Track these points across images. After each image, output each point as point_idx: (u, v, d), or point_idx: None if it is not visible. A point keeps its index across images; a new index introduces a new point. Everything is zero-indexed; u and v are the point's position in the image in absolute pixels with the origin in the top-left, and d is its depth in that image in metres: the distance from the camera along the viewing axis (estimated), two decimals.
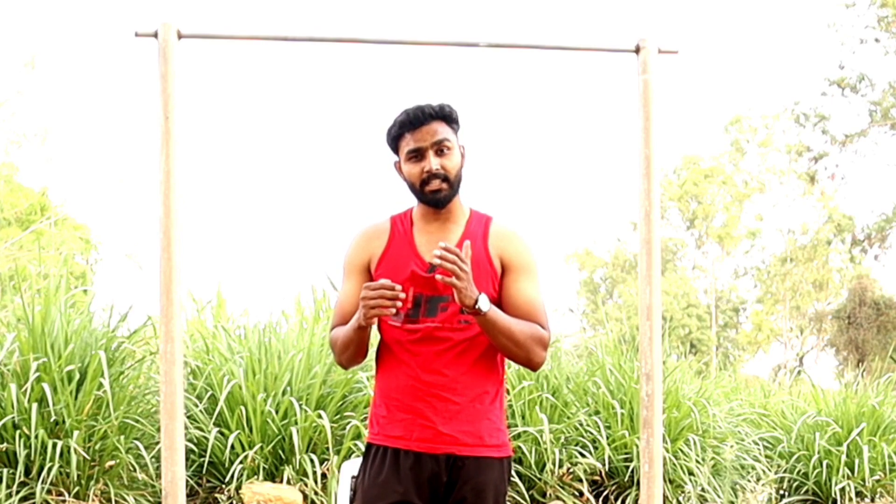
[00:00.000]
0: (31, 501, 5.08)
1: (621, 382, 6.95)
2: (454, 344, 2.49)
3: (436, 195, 2.47)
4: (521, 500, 6.26)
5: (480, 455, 2.51)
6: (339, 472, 5.16)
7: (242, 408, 5.66)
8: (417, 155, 2.48)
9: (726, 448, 6.87)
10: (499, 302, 2.51)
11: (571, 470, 6.50)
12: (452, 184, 2.48)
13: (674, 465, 6.69)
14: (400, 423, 2.52)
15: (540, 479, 6.44)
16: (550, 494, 6.43)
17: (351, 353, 2.53)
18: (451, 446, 2.50)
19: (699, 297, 36.55)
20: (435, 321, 2.48)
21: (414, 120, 2.48)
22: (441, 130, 2.46)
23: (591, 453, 6.57)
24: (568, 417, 6.69)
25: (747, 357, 36.40)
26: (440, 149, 2.47)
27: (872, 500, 7.34)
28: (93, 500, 5.30)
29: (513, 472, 2.61)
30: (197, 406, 5.78)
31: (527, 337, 2.43)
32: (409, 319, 2.50)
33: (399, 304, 2.34)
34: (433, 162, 2.44)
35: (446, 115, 2.49)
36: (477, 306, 2.34)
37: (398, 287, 2.34)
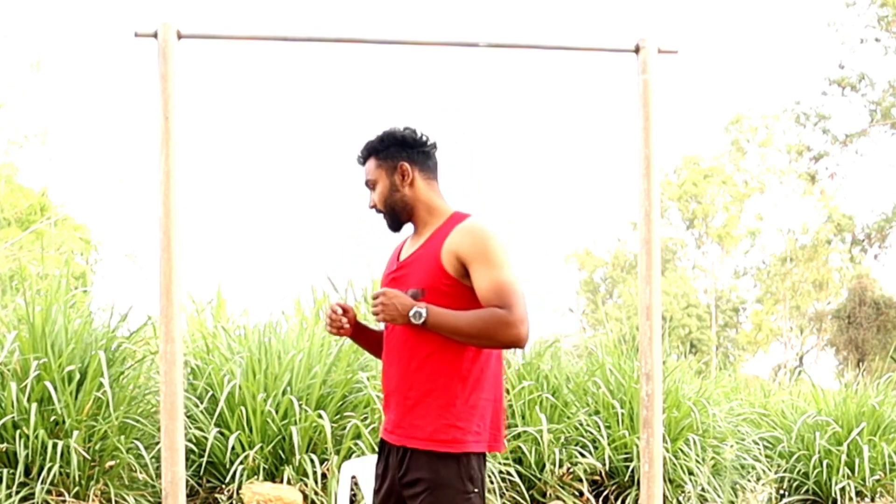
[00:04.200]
0: (31, 501, 5.07)
1: (621, 382, 6.95)
2: (407, 339, 2.65)
3: (387, 225, 2.81)
4: (521, 500, 6.25)
5: (430, 449, 2.60)
6: (339, 472, 5.16)
7: (242, 408, 5.66)
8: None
9: (726, 448, 6.87)
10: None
11: (571, 470, 6.49)
12: (386, 212, 2.77)
13: (674, 465, 6.69)
14: (385, 414, 2.80)
15: (540, 479, 6.43)
16: (550, 494, 6.43)
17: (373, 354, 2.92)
18: (404, 439, 2.65)
19: (699, 297, 36.53)
20: None
21: (358, 160, 2.85)
22: (368, 169, 2.78)
23: (591, 453, 6.57)
24: (568, 417, 6.69)
25: (747, 357, 36.39)
26: (370, 186, 2.80)
27: (872, 499, 7.34)
28: (93, 500, 5.30)
29: (484, 470, 2.58)
30: (197, 406, 5.78)
31: (480, 326, 2.52)
32: None
33: (342, 322, 2.76)
34: (369, 200, 2.81)
35: (374, 150, 2.77)
36: (413, 322, 2.54)
37: (337, 308, 2.77)
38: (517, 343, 2.53)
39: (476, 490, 2.62)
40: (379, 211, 2.78)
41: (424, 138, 2.77)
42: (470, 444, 2.61)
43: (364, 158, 2.79)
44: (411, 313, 2.53)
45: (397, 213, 2.76)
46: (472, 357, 2.62)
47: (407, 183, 2.73)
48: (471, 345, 2.57)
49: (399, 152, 2.74)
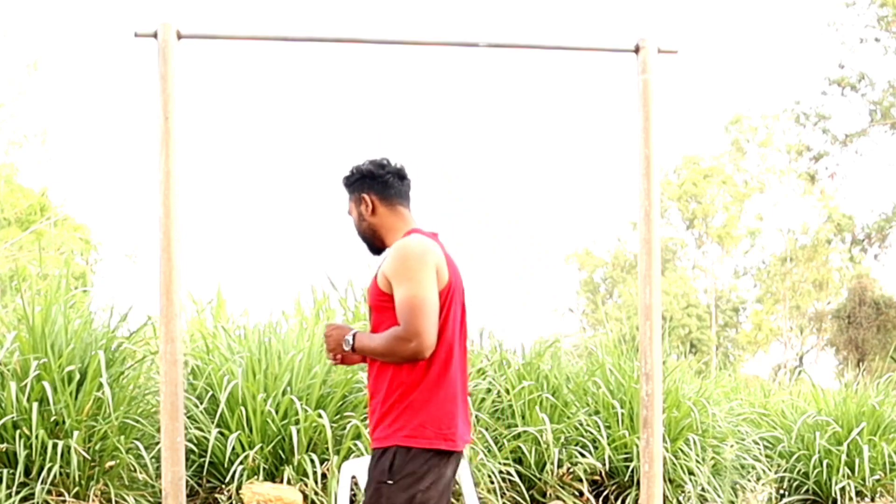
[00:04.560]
0: (32, 501, 5.07)
1: (621, 382, 6.95)
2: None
3: (368, 249, 3.13)
4: (521, 500, 6.25)
5: (374, 447, 2.94)
6: (339, 472, 5.16)
7: (242, 408, 5.66)
8: None
9: (726, 448, 6.87)
10: None
11: (571, 470, 6.49)
12: (362, 239, 3.09)
13: (674, 465, 6.69)
14: None
15: (540, 479, 6.43)
16: (550, 494, 6.43)
17: None
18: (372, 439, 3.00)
19: (699, 297, 36.53)
20: None
21: None
22: (347, 202, 3.10)
23: (591, 453, 6.57)
24: (568, 417, 6.69)
25: (747, 357, 36.39)
26: (349, 215, 3.12)
27: (872, 499, 7.34)
28: (93, 501, 5.30)
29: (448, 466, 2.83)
30: (197, 406, 5.78)
31: (385, 345, 2.84)
32: None
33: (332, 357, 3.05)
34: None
35: (345, 186, 3.10)
36: (345, 348, 2.93)
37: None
38: (414, 357, 2.78)
39: (390, 481, 2.84)
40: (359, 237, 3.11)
41: (383, 169, 3.02)
42: (397, 440, 2.85)
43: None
44: (344, 341, 2.93)
45: (369, 239, 3.08)
46: (424, 364, 2.85)
47: (369, 212, 3.03)
48: (393, 363, 2.85)
49: (361, 185, 3.04)
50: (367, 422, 3.07)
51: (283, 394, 5.76)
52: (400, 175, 3.05)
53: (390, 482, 2.84)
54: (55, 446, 5.11)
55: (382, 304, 2.91)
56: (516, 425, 6.53)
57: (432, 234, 3.02)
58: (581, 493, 6.49)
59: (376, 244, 3.06)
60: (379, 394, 2.91)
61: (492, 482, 6.06)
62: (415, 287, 2.77)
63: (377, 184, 3.02)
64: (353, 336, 2.91)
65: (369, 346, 2.88)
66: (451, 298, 2.89)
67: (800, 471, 7.54)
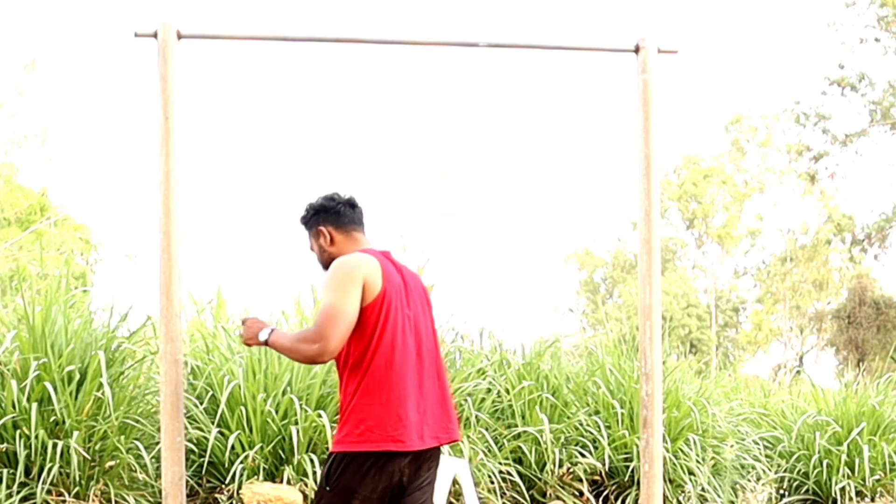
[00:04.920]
0: (32, 501, 5.07)
1: (621, 382, 6.95)
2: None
3: None
4: (521, 500, 6.25)
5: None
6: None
7: (242, 408, 5.66)
8: None
9: (726, 448, 6.87)
10: None
11: (571, 470, 6.49)
12: (325, 269, 3.25)
13: (674, 465, 6.69)
14: None
15: (540, 479, 6.43)
16: (550, 494, 6.43)
17: None
18: None
19: (699, 297, 36.52)
20: None
21: None
22: (308, 239, 3.33)
23: (591, 453, 6.57)
24: (568, 417, 6.69)
25: (747, 357, 36.38)
26: (313, 251, 3.34)
27: (872, 499, 7.34)
28: (93, 500, 5.30)
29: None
30: (197, 406, 5.78)
31: (291, 344, 3.01)
32: None
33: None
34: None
35: (302, 224, 3.32)
36: (260, 340, 3.10)
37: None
38: (314, 359, 2.96)
39: (327, 487, 3.02)
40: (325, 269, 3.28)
41: (334, 201, 3.26)
42: (338, 445, 3.04)
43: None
44: (261, 334, 3.09)
45: (328, 265, 3.24)
46: (363, 370, 3.01)
47: (328, 243, 3.25)
48: (295, 360, 3.06)
49: (317, 219, 3.26)
50: None
51: (283, 394, 5.76)
52: (350, 204, 3.28)
53: (327, 488, 3.03)
54: (55, 446, 5.11)
55: None
56: (516, 425, 6.52)
57: (381, 252, 3.21)
58: (581, 493, 6.49)
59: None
60: (340, 405, 3.10)
61: (492, 482, 6.06)
62: (332, 296, 2.96)
63: (331, 215, 3.25)
64: (271, 332, 3.09)
65: (279, 342, 3.06)
66: (387, 308, 3.02)
67: (800, 471, 7.54)
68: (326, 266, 3.24)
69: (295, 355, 3.01)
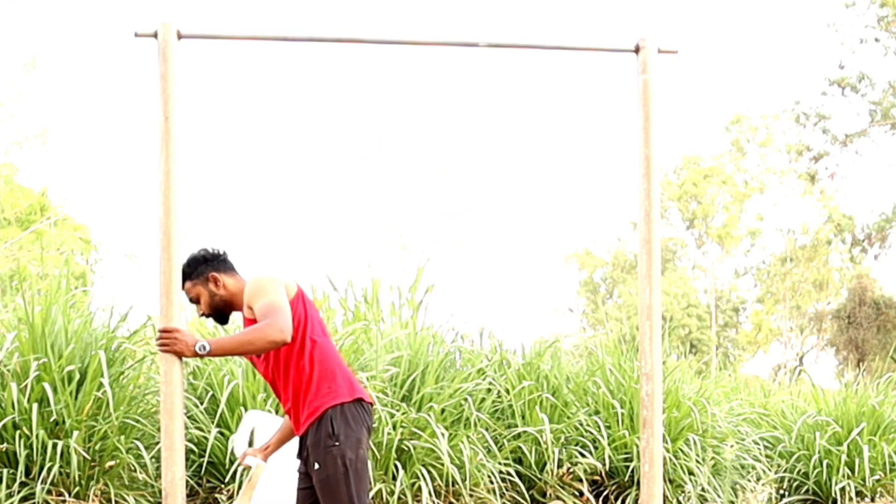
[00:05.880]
0: (32, 501, 5.07)
1: (621, 382, 6.95)
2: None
3: (217, 322, 3.57)
4: (521, 500, 6.25)
5: (309, 422, 3.38)
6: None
7: (242, 408, 5.66)
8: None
9: (726, 448, 6.87)
10: None
11: (571, 470, 6.49)
12: (214, 313, 3.51)
13: (674, 465, 6.69)
14: None
15: (540, 479, 6.43)
16: (550, 494, 6.43)
17: None
18: None
19: (699, 297, 36.50)
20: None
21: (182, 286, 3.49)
22: (188, 289, 3.49)
23: (591, 453, 6.57)
24: (568, 417, 6.69)
25: (747, 357, 36.36)
26: (195, 301, 3.52)
27: (872, 499, 7.34)
28: (93, 500, 5.30)
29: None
30: (197, 406, 5.78)
31: (249, 334, 3.21)
32: None
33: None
34: (197, 311, 3.54)
35: (187, 275, 3.45)
36: (200, 353, 3.18)
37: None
38: (281, 336, 3.19)
39: (337, 442, 3.31)
40: (208, 315, 3.51)
41: (216, 251, 3.54)
42: (325, 402, 3.34)
43: (183, 283, 3.41)
44: (197, 346, 3.18)
45: (222, 310, 3.51)
46: (308, 349, 3.35)
47: (220, 287, 3.49)
48: (253, 351, 3.25)
49: (206, 267, 3.49)
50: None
51: None
52: (225, 252, 3.61)
53: (337, 443, 3.28)
54: (55, 446, 5.11)
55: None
56: (516, 425, 6.52)
57: None
58: (581, 493, 6.49)
59: (227, 312, 3.53)
60: (297, 391, 3.36)
61: (492, 482, 6.06)
62: (271, 297, 3.28)
63: (217, 262, 3.53)
64: (208, 342, 3.22)
65: (230, 342, 3.24)
66: (303, 301, 3.41)
67: (800, 471, 7.54)
68: (215, 311, 3.49)
69: (258, 342, 3.20)
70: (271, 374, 3.48)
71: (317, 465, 3.29)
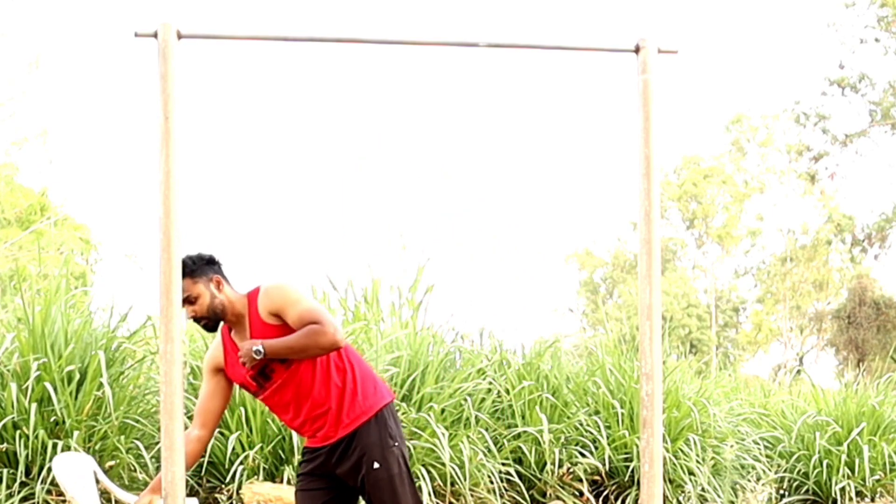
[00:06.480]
0: (32, 501, 5.08)
1: (621, 382, 6.95)
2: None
3: (205, 328, 3.44)
4: (521, 500, 6.25)
5: (354, 427, 3.41)
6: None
7: (242, 408, 5.66)
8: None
9: (726, 448, 6.87)
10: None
11: (571, 470, 6.49)
12: (209, 316, 3.39)
13: (674, 465, 6.69)
14: None
15: (540, 479, 6.43)
16: (550, 494, 6.43)
17: None
18: None
19: (699, 297, 36.50)
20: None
21: None
22: (186, 287, 3.29)
23: (591, 453, 6.57)
24: (568, 417, 6.69)
25: (747, 357, 36.37)
26: (191, 301, 3.37)
27: (872, 499, 7.34)
28: None
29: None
30: None
31: (302, 340, 3.22)
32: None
33: None
34: (187, 311, 3.37)
35: (190, 271, 3.32)
36: (258, 357, 3.24)
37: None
38: (334, 343, 3.23)
39: (396, 443, 3.41)
40: (199, 319, 3.39)
41: (210, 256, 3.47)
42: (375, 404, 3.43)
43: (182, 276, 3.30)
44: (254, 350, 3.23)
45: (218, 315, 3.39)
46: (345, 357, 3.37)
47: (220, 289, 3.40)
48: (304, 356, 3.26)
49: (208, 269, 3.42)
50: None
51: None
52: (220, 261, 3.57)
53: (396, 443, 3.37)
54: (55, 446, 5.11)
55: (277, 336, 3.30)
56: (516, 425, 6.52)
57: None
58: (581, 493, 6.49)
59: (220, 320, 3.43)
60: (341, 394, 3.34)
61: (492, 482, 6.06)
62: (308, 302, 3.31)
63: (218, 266, 3.48)
64: (262, 345, 3.25)
65: (285, 344, 3.24)
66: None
67: (800, 471, 7.54)
68: (214, 312, 3.39)
69: (311, 349, 3.23)
70: (294, 388, 3.35)
71: (376, 465, 3.32)
